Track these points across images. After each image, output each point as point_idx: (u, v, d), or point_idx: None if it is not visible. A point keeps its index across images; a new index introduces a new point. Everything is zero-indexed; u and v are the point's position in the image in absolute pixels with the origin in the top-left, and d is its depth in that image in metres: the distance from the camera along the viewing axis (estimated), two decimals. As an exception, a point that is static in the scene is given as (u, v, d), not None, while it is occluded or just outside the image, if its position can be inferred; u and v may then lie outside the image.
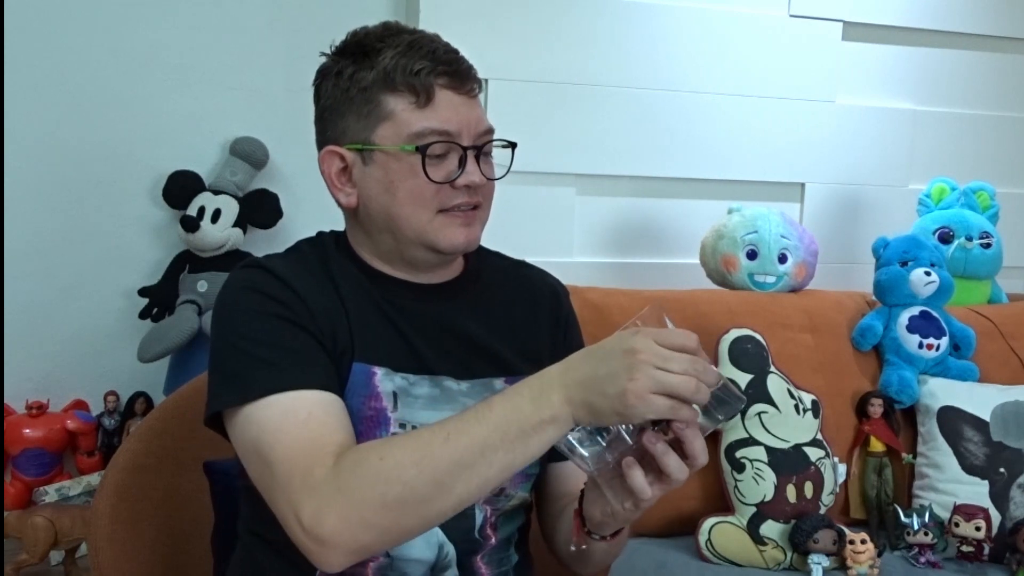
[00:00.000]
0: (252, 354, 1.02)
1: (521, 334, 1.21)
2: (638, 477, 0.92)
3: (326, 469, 0.93)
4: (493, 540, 1.15)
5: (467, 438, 0.91)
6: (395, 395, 1.09)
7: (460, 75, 1.10)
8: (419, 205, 1.09)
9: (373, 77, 1.08)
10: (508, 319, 1.21)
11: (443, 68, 1.08)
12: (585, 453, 0.94)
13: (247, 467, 1.02)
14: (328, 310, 1.08)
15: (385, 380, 1.09)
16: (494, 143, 1.14)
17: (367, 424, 1.07)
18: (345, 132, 1.11)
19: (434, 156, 1.08)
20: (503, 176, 1.15)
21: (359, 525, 0.91)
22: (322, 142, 1.15)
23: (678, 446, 0.92)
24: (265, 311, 1.04)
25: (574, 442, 0.94)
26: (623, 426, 0.93)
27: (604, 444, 0.94)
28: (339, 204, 1.16)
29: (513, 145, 1.15)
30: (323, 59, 1.16)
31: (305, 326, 1.05)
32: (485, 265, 1.23)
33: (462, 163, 1.09)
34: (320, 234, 1.21)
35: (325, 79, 1.14)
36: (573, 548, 1.08)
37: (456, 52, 1.12)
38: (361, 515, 0.91)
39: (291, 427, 0.97)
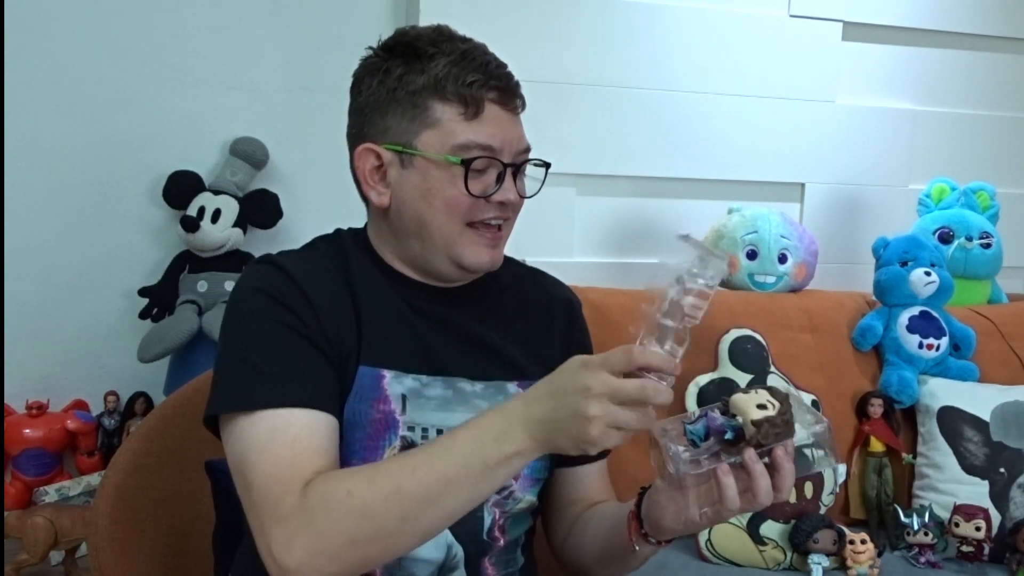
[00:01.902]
0: (252, 364, 1.03)
1: (534, 340, 1.21)
2: (732, 487, 0.93)
3: (296, 498, 0.95)
4: (501, 542, 1.16)
5: (433, 474, 0.94)
6: (404, 398, 1.09)
7: (509, 91, 1.11)
8: (452, 215, 1.09)
9: (424, 82, 1.08)
10: (522, 325, 1.22)
11: (495, 83, 1.09)
12: (685, 456, 0.94)
13: (233, 478, 1.03)
14: (337, 313, 1.08)
15: (394, 383, 1.09)
16: (532, 161, 1.14)
17: (375, 427, 1.07)
18: (386, 131, 1.11)
19: (476, 170, 1.08)
20: (535, 195, 1.16)
21: (325, 557, 0.93)
22: (357, 136, 1.14)
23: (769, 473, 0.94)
24: (271, 318, 1.05)
25: (671, 444, 0.95)
26: (723, 435, 0.94)
27: (702, 450, 0.95)
28: (367, 202, 1.15)
29: (548, 165, 1.15)
30: (368, 53, 1.15)
31: (309, 335, 1.05)
32: (501, 271, 1.22)
33: (500, 179, 1.09)
34: (339, 231, 1.21)
35: (370, 75, 1.12)
36: (637, 548, 1.07)
37: (506, 67, 1.12)
38: (327, 548, 0.93)
39: (275, 449, 0.99)
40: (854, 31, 2.76)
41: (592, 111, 2.54)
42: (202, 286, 2.29)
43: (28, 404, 2.25)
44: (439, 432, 1.10)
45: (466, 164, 1.07)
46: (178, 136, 2.36)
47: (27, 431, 2.23)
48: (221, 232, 2.28)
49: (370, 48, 1.15)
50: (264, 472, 0.98)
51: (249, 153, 2.34)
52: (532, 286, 1.28)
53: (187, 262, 2.33)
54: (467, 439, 0.95)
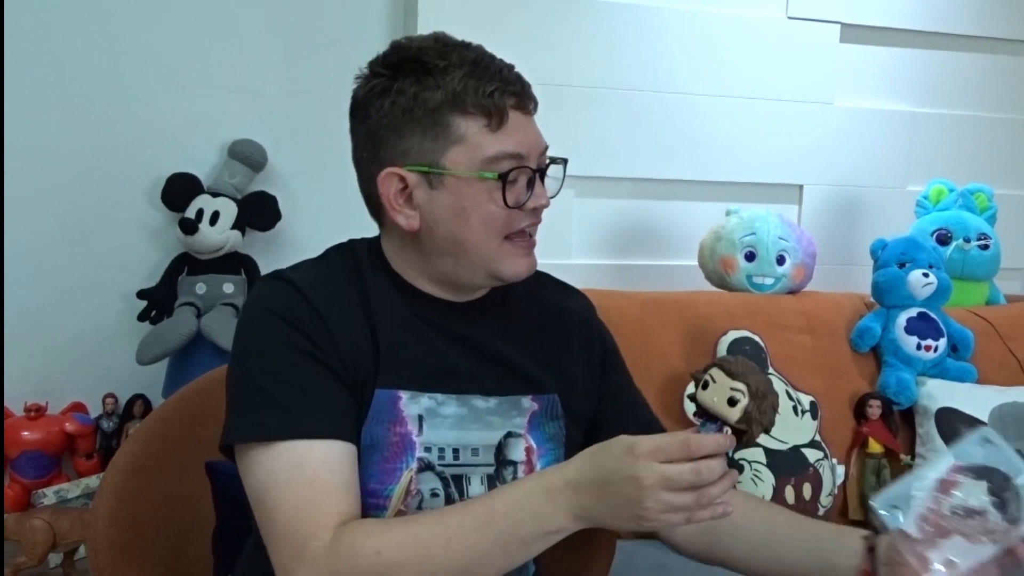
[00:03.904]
0: (267, 392, 1.01)
1: (550, 353, 1.19)
2: None
3: (322, 544, 0.94)
4: None
5: (467, 548, 0.93)
6: (421, 418, 1.07)
7: (525, 94, 1.08)
8: (489, 231, 1.06)
9: (441, 98, 1.04)
10: (537, 337, 1.19)
11: (512, 88, 1.05)
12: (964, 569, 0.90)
13: (252, 508, 1.02)
14: (352, 334, 1.05)
15: (410, 403, 1.07)
16: (553, 162, 1.11)
17: (392, 450, 1.05)
18: (407, 153, 1.06)
19: (509, 181, 1.05)
20: (556, 195, 1.12)
21: None
22: (371, 160, 1.09)
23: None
24: (285, 342, 1.02)
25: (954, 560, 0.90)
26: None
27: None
28: (395, 226, 1.10)
29: (566, 161, 1.12)
30: (365, 72, 1.10)
31: (325, 360, 1.03)
32: (515, 284, 1.18)
33: (530, 185, 1.07)
34: (352, 243, 1.17)
35: (379, 96, 1.07)
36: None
37: (515, 68, 1.09)
38: None
39: (296, 487, 0.97)
40: (852, 33, 2.77)
41: (590, 113, 2.54)
42: (200, 288, 2.28)
43: (27, 406, 2.25)
44: (455, 452, 1.09)
45: (502, 178, 1.04)
46: (176, 138, 2.36)
47: (25, 433, 2.22)
48: (219, 234, 2.27)
49: (368, 68, 1.10)
50: (286, 511, 0.97)
51: (247, 155, 2.34)
52: (546, 295, 1.24)
53: (185, 264, 2.33)
54: (505, 515, 0.93)
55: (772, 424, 0.92)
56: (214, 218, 2.27)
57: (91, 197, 2.33)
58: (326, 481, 0.98)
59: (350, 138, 1.12)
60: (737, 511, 1.05)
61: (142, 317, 2.30)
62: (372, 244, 1.16)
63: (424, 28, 2.38)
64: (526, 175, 1.07)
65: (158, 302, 2.31)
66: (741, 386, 0.90)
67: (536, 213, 1.09)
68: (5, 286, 2.22)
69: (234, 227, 2.30)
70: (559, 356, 1.19)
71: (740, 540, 1.16)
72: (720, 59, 2.64)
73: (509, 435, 1.12)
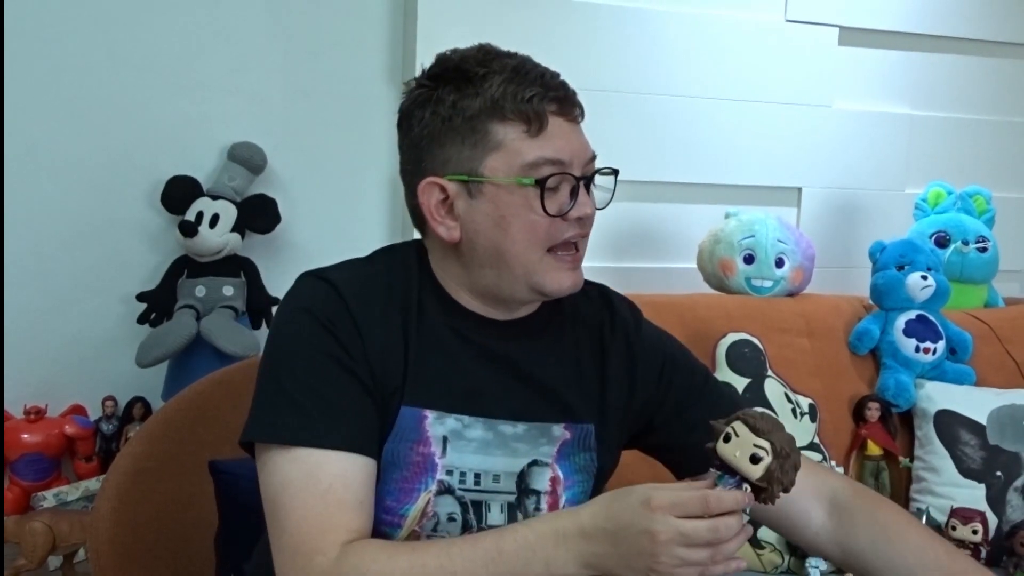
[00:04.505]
0: (292, 395, 1.00)
1: (591, 383, 1.15)
2: None
3: (328, 561, 0.94)
4: None
5: None
6: (445, 440, 1.05)
7: (569, 100, 1.05)
8: (531, 242, 1.03)
9: (480, 105, 1.02)
10: (578, 365, 1.15)
11: (553, 93, 1.03)
12: None
13: (264, 509, 1.01)
14: (385, 347, 1.03)
15: (436, 424, 1.05)
16: (601, 171, 1.09)
17: (412, 469, 1.04)
18: (447, 163, 1.04)
19: (549, 188, 1.02)
20: (607, 205, 1.10)
21: None
22: (415, 172, 1.08)
23: None
24: (317, 346, 1.01)
25: None
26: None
27: None
28: (436, 237, 1.08)
29: (616, 172, 1.10)
30: (411, 85, 1.09)
31: (353, 368, 1.01)
32: (565, 301, 1.15)
33: (574, 194, 1.04)
34: (403, 246, 1.15)
35: (421, 107, 1.06)
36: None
37: (560, 75, 1.07)
38: None
39: (308, 496, 0.96)
40: (850, 36, 2.77)
41: (589, 116, 2.47)
42: (200, 291, 2.28)
43: (26, 409, 2.24)
44: (476, 477, 1.07)
45: (541, 184, 1.01)
46: (176, 141, 2.36)
47: (25, 436, 2.22)
48: (219, 237, 2.27)
49: (413, 80, 1.09)
50: (296, 522, 0.96)
51: (247, 158, 2.34)
52: (592, 315, 1.19)
53: (185, 267, 2.32)
54: (515, 555, 0.92)
55: (792, 484, 0.90)
56: (214, 221, 2.27)
57: (90, 200, 2.33)
58: (340, 496, 0.97)
59: (398, 152, 1.11)
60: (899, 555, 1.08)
61: (142, 320, 2.30)
62: (422, 251, 1.13)
63: (424, 32, 2.41)
64: (569, 183, 1.04)
65: (158, 305, 2.30)
66: (765, 444, 0.88)
67: (582, 223, 1.05)
68: (5, 288, 2.21)
69: (234, 230, 2.29)
70: (599, 384, 1.15)
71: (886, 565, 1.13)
72: (719, 62, 2.65)
73: (534, 463, 1.09)
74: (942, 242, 2.46)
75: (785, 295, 2.33)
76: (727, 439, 0.90)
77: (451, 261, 1.09)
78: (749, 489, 0.89)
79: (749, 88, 2.68)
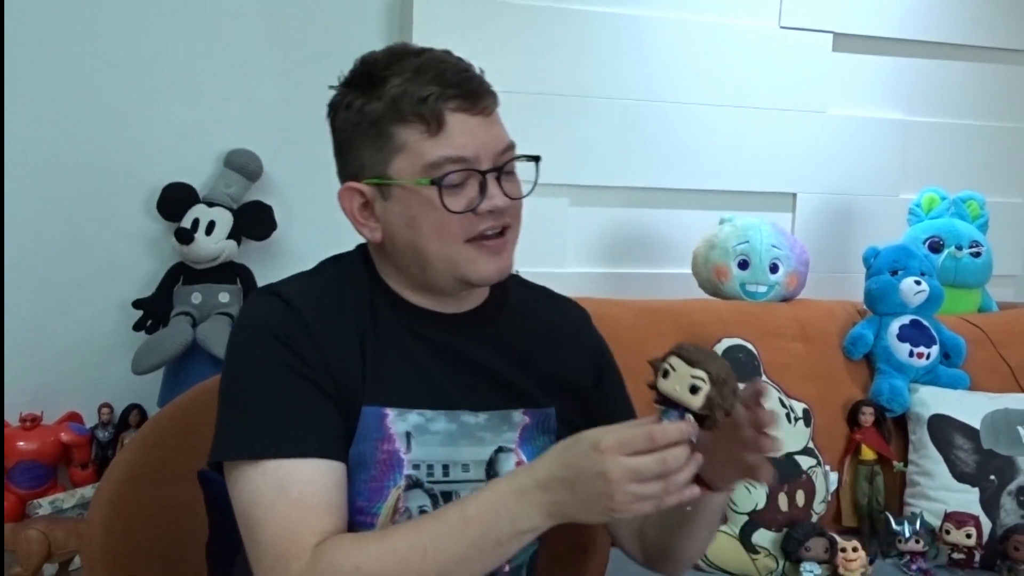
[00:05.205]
0: (255, 410, 1.01)
1: (544, 365, 1.18)
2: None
3: (303, 565, 0.95)
4: (507, 568, 1.15)
5: (445, 555, 0.94)
6: (409, 435, 1.07)
7: (471, 95, 1.05)
8: (445, 238, 1.05)
9: (382, 108, 1.04)
10: (531, 350, 1.17)
11: (452, 91, 1.03)
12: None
13: (239, 525, 1.02)
14: (342, 351, 1.05)
15: (398, 420, 1.07)
16: (517, 160, 1.09)
17: (380, 468, 1.06)
18: (362, 167, 1.07)
19: (452, 185, 1.03)
20: (529, 193, 1.11)
21: None
22: (341, 176, 1.11)
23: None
24: (275, 359, 1.03)
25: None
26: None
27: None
28: (366, 239, 1.12)
29: (537, 159, 1.11)
30: (332, 91, 1.11)
31: (313, 378, 1.03)
32: (510, 292, 1.19)
33: (483, 188, 1.04)
34: (349, 254, 1.17)
35: (336, 112, 1.09)
36: (689, 508, 1.06)
37: (467, 70, 1.06)
38: None
39: (280, 506, 0.98)
40: (845, 42, 2.78)
41: (585, 123, 2.55)
42: (196, 298, 2.28)
43: (22, 416, 2.24)
44: (444, 469, 1.09)
45: (437, 183, 1.03)
46: (172, 148, 2.36)
47: (21, 444, 2.22)
48: (215, 244, 2.28)
49: (332, 87, 1.11)
50: (271, 532, 0.97)
51: (243, 165, 2.35)
52: (542, 308, 1.23)
53: (181, 274, 2.33)
54: (480, 519, 0.94)
55: (733, 407, 0.93)
56: (210, 228, 2.28)
57: (87, 207, 2.33)
58: (311, 502, 0.98)
59: None
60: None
61: (138, 327, 2.30)
62: (367, 255, 1.15)
63: (419, 39, 2.39)
64: (476, 178, 1.05)
65: (154, 312, 2.31)
66: (702, 373, 0.91)
67: (497, 215, 1.06)
68: (2, 295, 2.22)
69: (230, 237, 2.30)
70: (556, 369, 1.18)
71: (654, 537, 1.18)
72: (713, 68, 2.65)
73: (500, 450, 1.12)
74: (936, 247, 2.46)
75: (779, 300, 2.33)
76: (665, 375, 0.93)
77: (385, 261, 1.12)
78: (693, 419, 0.92)
79: (744, 94, 2.68)
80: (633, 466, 0.89)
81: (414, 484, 1.07)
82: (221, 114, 2.39)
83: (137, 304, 2.31)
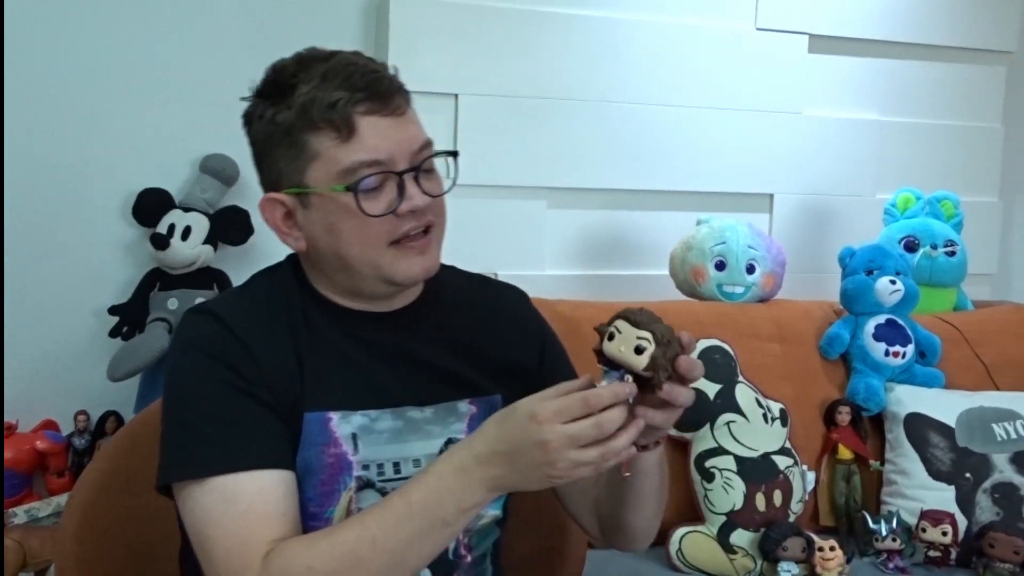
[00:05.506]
0: (197, 429, 1.02)
1: (487, 353, 1.19)
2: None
3: (255, 573, 0.95)
4: (468, 558, 1.16)
5: (394, 541, 0.95)
6: (355, 437, 1.07)
7: (381, 97, 1.04)
8: (367, 243, 1.05)
9: (293, 117, 1.04)
10: (471, 339, 1.19)
11: (361, 95, 1.03)
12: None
13: (192, 545, 1.03)
14: (279, 361, 1.06)
15: (342, 423, 1.07)
16: (435, 156, 1.10)
17: (329, 472, 1.06)
18: (280, 177, 1.07)
19: (369, 189, 1.04)
20: (449, 189, 1.11)
21: None
22: (263, 188, 1.12)
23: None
24: (211, 377, 1.03)
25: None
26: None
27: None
28: (292, 249, 1.13)
29: (454, 154, 1.11)
30: (246, 102, 1.11)
31: (252, 392, 1.03)
32: (444, 284, 1.20)
33: (401, 189, 1.05)
34: (279, 265, 1.18)
35: (251, 123, 1.10)
36: (627, 473, 1.06)
37: (376, 71, 1.06)
38: None
39: (230, 520, 0.98)
40: (820, 44, 2.79)
41: (561, 125, 2.55)
42: (172, 304, 2.27)
43: (-3, 424, 2.22)
44: (395, 466, 1.09)
45: (352, 189, 1.03)
46: (148, 153, 2.35)
47: (-4, 451, 2.20)
48: (191, 249, 2.27)
49: (244, 98, 1.12)
50: (222, 546, 0.98)
51: (219, 170, 2.34)
52: (477, 296, 1.25)
53: (157, 280, 2.32)
54: (423, 502, 0.95)
55: (668, 372, 0.94)
56: (186, 233, 2.26)
57: (62, 212, 2.31)
58: (260, 512, 0.99)
59: None
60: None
61: (114, 333, 2.29)
62: (298, 264, 1.16)
63: (396, 43, 2.41)
64: (393, 180, 1.05)
65: (130, 318, 2.29)
66: (647, 334, 0.93)
67: (419, 215, 1.06)
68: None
69: (206, 242, 2.29)
70: (499, 354, 1.19)
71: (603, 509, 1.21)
72: (689, 70, 2.66)
73: (449, 442, 1.13)
74: (911, 246, 2.48)
75: (756, 301, 2.34)
76: (611, 337, 0.94)
77: (313, 269, 1.13)
78: (631, 379, 0.93)
79: (720, 96, 2.69)
80: (570, 433, 0.90)
81: (365, 484, 1.07)
82: (197, 118, 2.38)
83: (113, 310, 2.30)
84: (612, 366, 0.95)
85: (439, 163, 1.11)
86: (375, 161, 1.04)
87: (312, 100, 1.03)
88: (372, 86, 1.04)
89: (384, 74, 1.07)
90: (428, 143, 1.09)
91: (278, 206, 1.09)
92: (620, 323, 0.95)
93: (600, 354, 0.96)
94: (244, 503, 0.99)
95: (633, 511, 1.16)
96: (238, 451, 1.00)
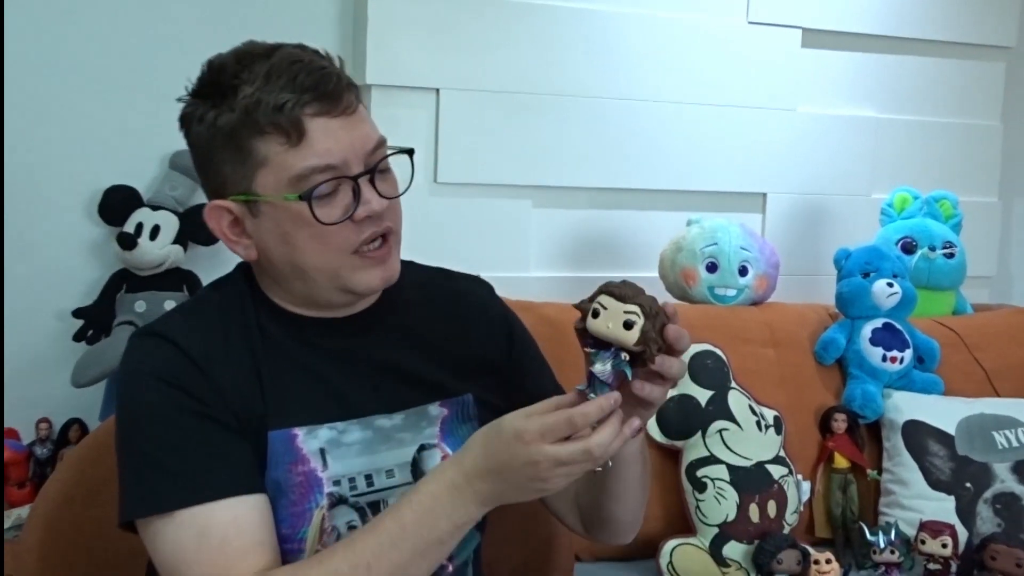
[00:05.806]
0: (158, 461, 0.97)
1: (453, 351, 1.15)
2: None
3: None
4: (450, 568, 1.13)
5: (389, 565, 0.93)
6: (323, 452, 1.04)
7: (330, 96, 1.00)
8: (324, 251, 1.01)
9: (236, 120, 0.98)
10: (436, 338, 1.15)
11: (308, 96, 0.98)
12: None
13: None
14: (238, 382, 1.01)
15: (309, 439, 1.03)
16: (390, 155, 1.06)
17: (299, 491, 1.02)
18: (225, 183, 1.02)
19: (323, 196, 0.99)
20: (406, 190, 1.07)
21: None
22: (206, 194, 1.07)
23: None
24: (168, 404, 0.98)
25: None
26: (625, 375, 0.92)
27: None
28: (241, 258, 1.09)
29: (410, 152, 1.07)
30: (183, 103, 1.06)
31: (213, 415, 0.99)
32: (404, 283, 1.15)
33: (356, 194, 1.00)
34: (230, 276, 1.13)
35: (189, 125, 1.04)
36: (599, 468, 1.04)
37: (323, 67, 1.01)
38: None
39: (206, 555, 0.94)
40: (814, 38, 2.75)
41: (548, 121, 2.50)
42: (140, 306, 2.21)
43: (-45, 433, 2.15)
44: (368, 479, 1.05)
45: (305, 197, 0.98)
46: (114, 149, 2.29)
47: (-47, 462, 2.14)
48: (160, 249, 2.21)
49: (180, 99, 1.07)
50: None
51: (189, 167, 2.22)
52: (440, 288, 1.21)
53: (124, 281, 2.26)
54: (417, 523, 0.94)
55: (659, 345, 0.91)
56: (154, 232, 2.20)
57: (23, 211, 2.24)
58: (237, 543, 0.95)
59: None
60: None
61: (78, 337, 2.23)
62: (250, 273, 1.11)
63: (374, 36, 2.34)
64: (348, 184, 1.00)
65: (95, 321, 2.24)
66: (634, 308, 0.89)
67: (377, 220, 1.02)
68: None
69: (175, 242, 2.23)
70: (466, 350, 1.16)
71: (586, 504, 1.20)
72: (680, 65, 2.61)
73: (423, 448, 1.10)
74: (908, 248, 2.44)
75: (749, 304, 2.31)
76: (596, 314, 0.91)
77: (266, 278, 1.08)
78: (627, 356, 0.90)
79: (711, 92, 2.64)
80: (560, 456, 0.89)
81: (338, 501, 1.04)
82: (165, 114, 2.25)
83: (78, 313, 2.24)
84: (598, 344, 0.91)
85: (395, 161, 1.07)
86: (328, 166, 0.99)
87: (257, 103, 0.97)
88: (320, 85, 0.99)
89: (332, 70, 1.02)
90: (382, 142, 1.05)
91: (224, 214, 1.04)
92: (604, 299, 0.91)
93: (583, 333, 0.92)
94: (218, 535, 0.95)
95: (616, 501, 1.16)
96: (205, 480, 0.96)
